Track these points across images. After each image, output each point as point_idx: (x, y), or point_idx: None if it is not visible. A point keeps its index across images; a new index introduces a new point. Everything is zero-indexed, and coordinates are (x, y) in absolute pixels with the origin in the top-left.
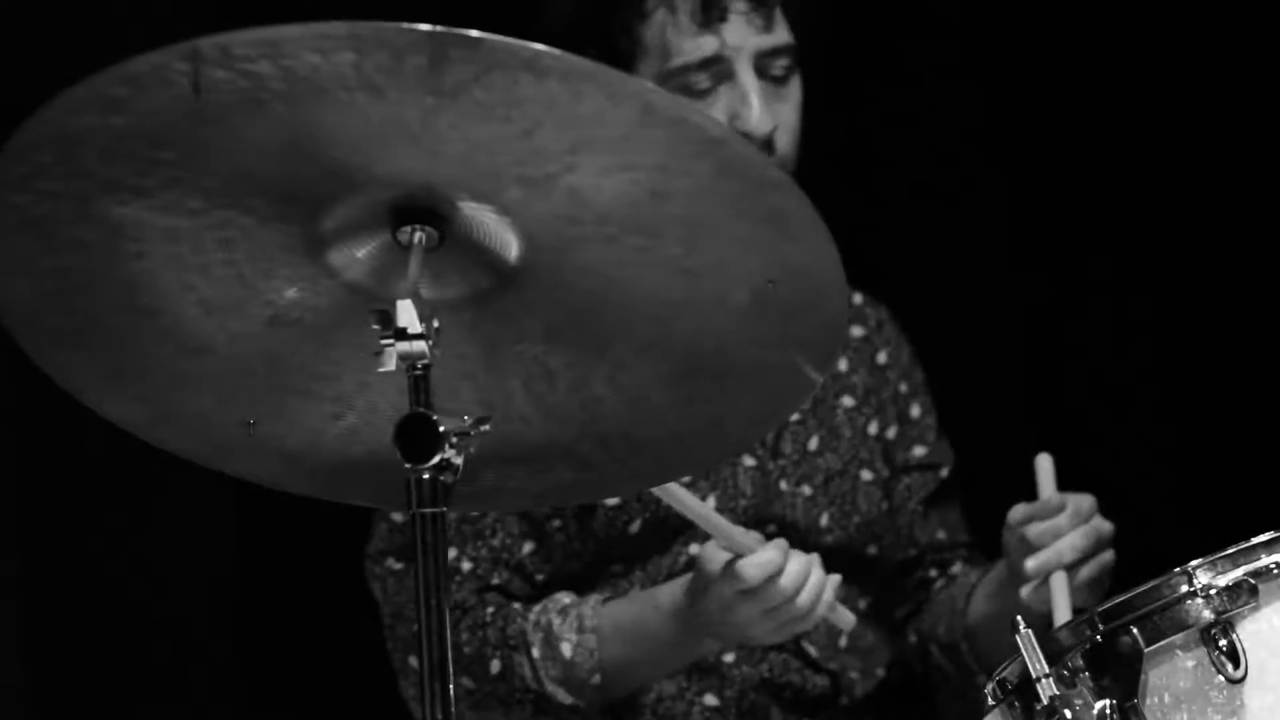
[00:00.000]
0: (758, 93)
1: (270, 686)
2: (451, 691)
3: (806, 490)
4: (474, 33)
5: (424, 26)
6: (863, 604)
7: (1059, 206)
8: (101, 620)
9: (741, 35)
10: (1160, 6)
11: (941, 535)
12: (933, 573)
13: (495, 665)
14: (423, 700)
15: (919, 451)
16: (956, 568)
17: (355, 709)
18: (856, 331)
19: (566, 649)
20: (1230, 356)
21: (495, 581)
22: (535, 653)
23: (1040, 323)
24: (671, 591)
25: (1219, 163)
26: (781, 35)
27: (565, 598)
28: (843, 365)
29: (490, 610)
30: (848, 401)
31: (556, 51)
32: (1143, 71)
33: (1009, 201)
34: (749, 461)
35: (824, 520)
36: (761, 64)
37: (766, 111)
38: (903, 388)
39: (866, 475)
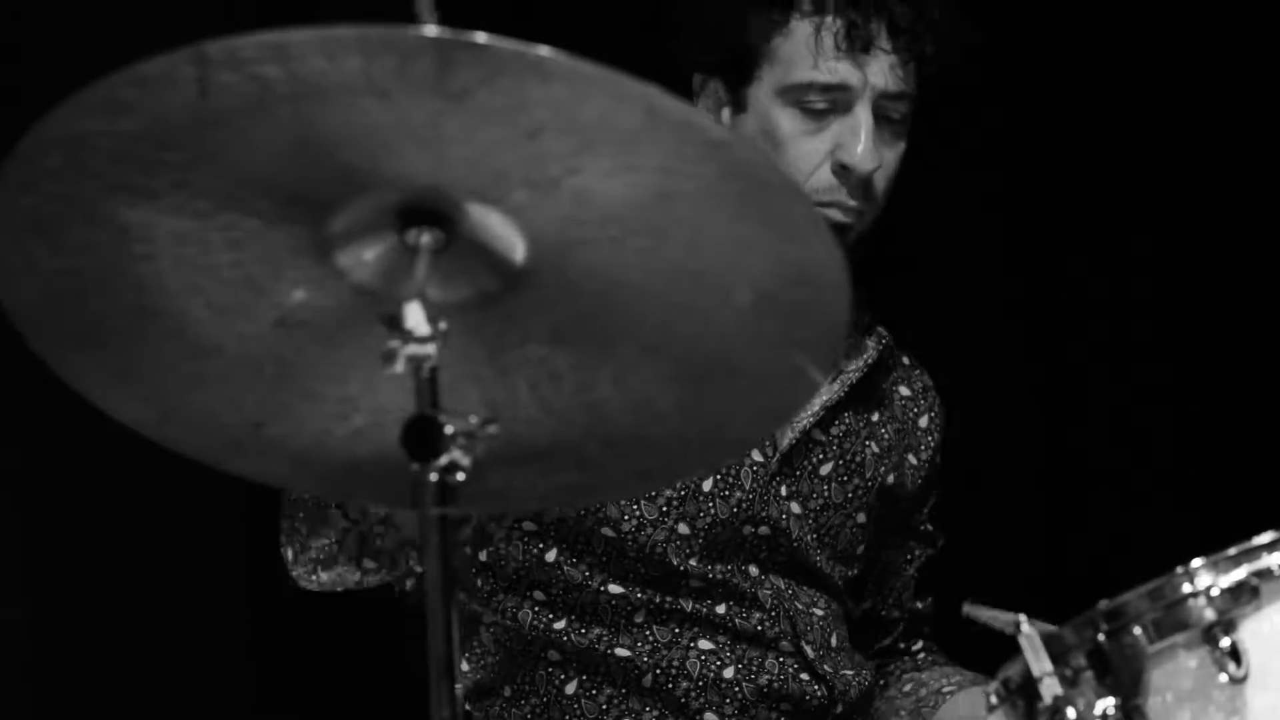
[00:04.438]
0: (870, 131)
1: (278, 686)
2: (458, 690)
3: (796, 508)
4: (480, 38)
5: (430, 31)
6: (820, 611)
7: (1068, 203)
8: (105, 620)
9: (879, 74)
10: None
11: (919, 606)
12: (902, 644)
13: None
14: (431, 697)
15: (930, 528)
16: (919, 645)
17: (360, 709)
18: (904, 391)
19: None
20: (1232, 356)
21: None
22: None
23: (1043, 322)
24: None
25: (1220, 164)
26: (910, 83)
27: None
28: (875, 415)
29: None
30: (874, 448)
31: (561, 55)
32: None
33: (1011, 201)
34: (756, 457)
35: (810, 538)
36: (882, 105)
37: (874, 151)
38: (938, 459)
39: (861, 518)
